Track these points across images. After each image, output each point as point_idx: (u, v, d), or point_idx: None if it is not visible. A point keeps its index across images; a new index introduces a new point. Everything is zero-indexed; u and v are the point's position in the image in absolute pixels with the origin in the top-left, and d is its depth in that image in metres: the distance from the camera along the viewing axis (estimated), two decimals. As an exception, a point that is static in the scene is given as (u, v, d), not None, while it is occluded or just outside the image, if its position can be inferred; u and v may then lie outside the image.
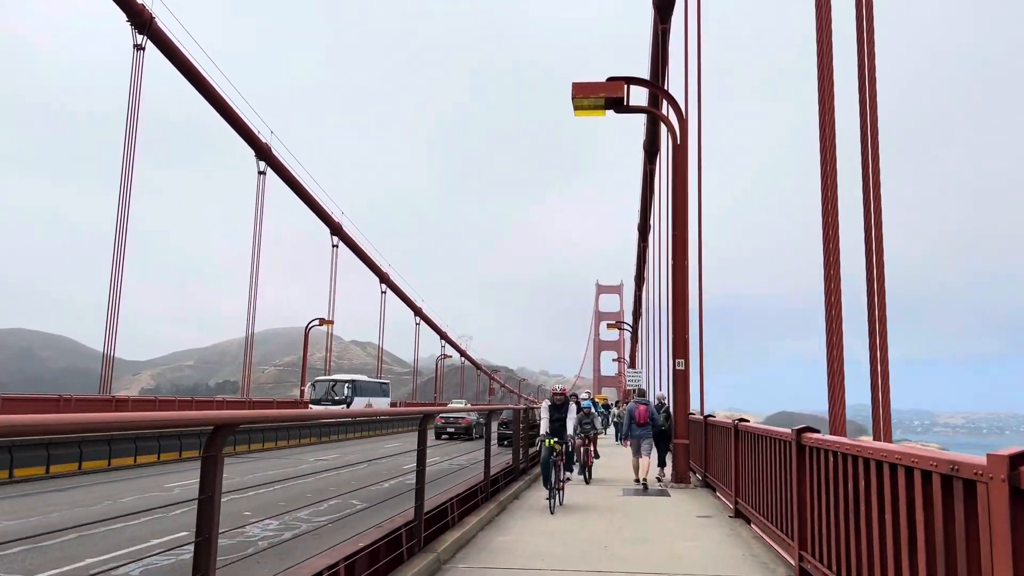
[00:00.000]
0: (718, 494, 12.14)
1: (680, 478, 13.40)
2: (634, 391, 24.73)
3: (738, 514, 9.74)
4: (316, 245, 56.38)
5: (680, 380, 13.83)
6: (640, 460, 13.70)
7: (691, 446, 13.96)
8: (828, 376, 8.07)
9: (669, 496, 12.27)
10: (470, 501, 9.95)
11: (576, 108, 13.95)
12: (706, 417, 13.34)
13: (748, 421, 9.82)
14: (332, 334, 58.71)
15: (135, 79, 34.07)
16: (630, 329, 62.20)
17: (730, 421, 10.32)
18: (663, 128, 38.73)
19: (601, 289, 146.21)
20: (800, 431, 6.45)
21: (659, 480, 14.25)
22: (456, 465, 14.75)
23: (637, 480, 13.67)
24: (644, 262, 55.63)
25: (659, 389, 31.12)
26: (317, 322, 54.63)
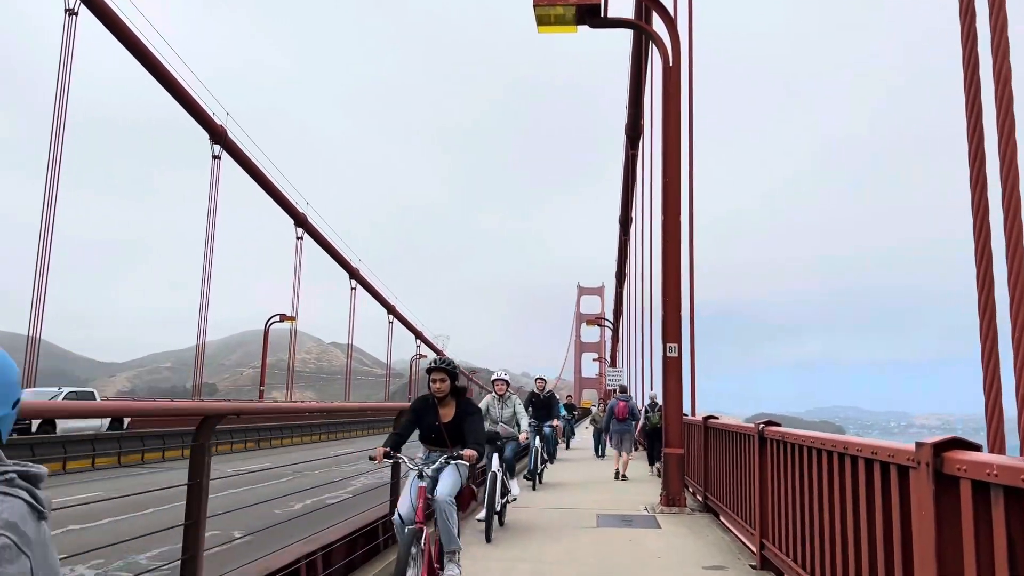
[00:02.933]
0: (725, 522, 8.98)
1: (672, 500, 10.18)
2: (614, 390, 22.71)
3: (765, 564, 6.56)
4: (298, 244, 53.45)
5: (672, 370, 10.62)
6: (620, 456, 15.09)
7: (687, 457, 10.76)
8: (985, 387, 4.99)
9: (659, 528, 9.04)
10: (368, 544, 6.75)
11: (540, 23, 10.77)
12: (706, 419, 10.18)
13: (778, 424, 6.65)
14: (296, 331, 55.06)
15: (66, 47, 30.69)
16: (611, 326, 59.10)
17: (752, 425, 7.15)
18: (646, 107, 35.78)
19: (583, 291, 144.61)
20: (940, 446, 3.29)
21: (648, 508, 11.03)
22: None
23: (616, 474, 14.84)
24: (625, 257, 52.64)
25: (650, 388, 28.21)
26: (278, 318, 51.11)
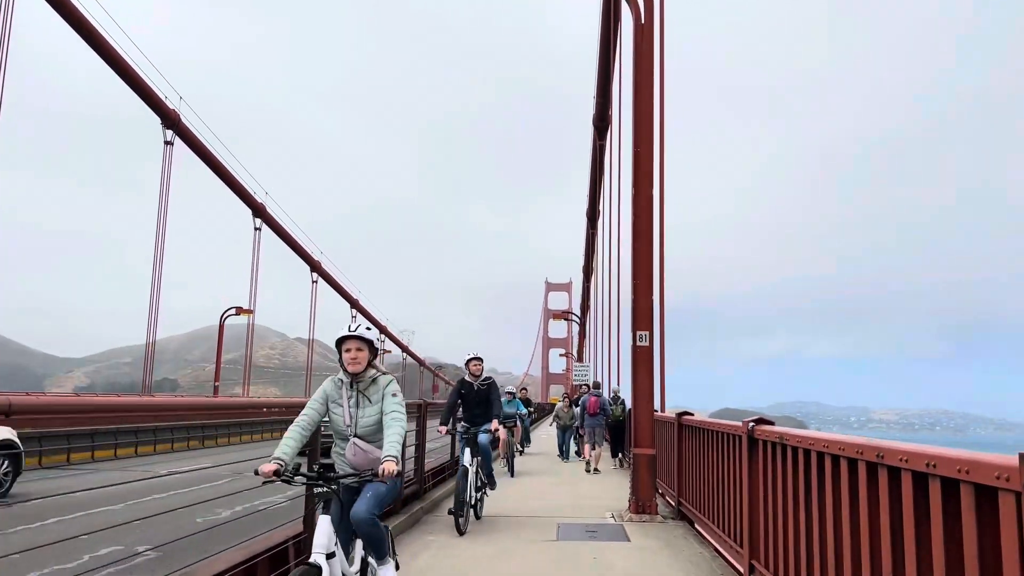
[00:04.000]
0: (702, 531, 7.90)
1: (642, 506, 9.06)
2: (582, 386, 22.18)
3: (755, 586, 5.45)
4: (255, 235, 51.63)
5: (642, 361, 9.48)
6: (593, 450, 15.69)
7: (658, 458, 9.65)
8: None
9: (627, 540, 7.90)
10: None
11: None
12: (680, 416, 9.08)
13: (771, 423, 5.54)
14: (253, 324, 53.20)
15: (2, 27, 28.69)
16: (578, 320, 58.19)
17: (738, 424, 6.04)
18: (614, 95, 34.81)
19: (550, 287, 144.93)
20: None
21: (615, 515, 9.90)
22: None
23: (587, 467, 15.59)
24: (593, 251, 51.66)
25: (616, 384, 27.18)
26: (234, 311, 49.28)
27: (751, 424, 5.61)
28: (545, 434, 29.70)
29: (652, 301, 9.46)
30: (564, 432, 19.30)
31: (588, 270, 56.64)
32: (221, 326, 50.37)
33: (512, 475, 12.94)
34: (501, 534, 8.12)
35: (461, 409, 9.21)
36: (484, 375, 9.18)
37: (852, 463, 3.65)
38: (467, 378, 9.12)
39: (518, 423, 16.57)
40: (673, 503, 9.42)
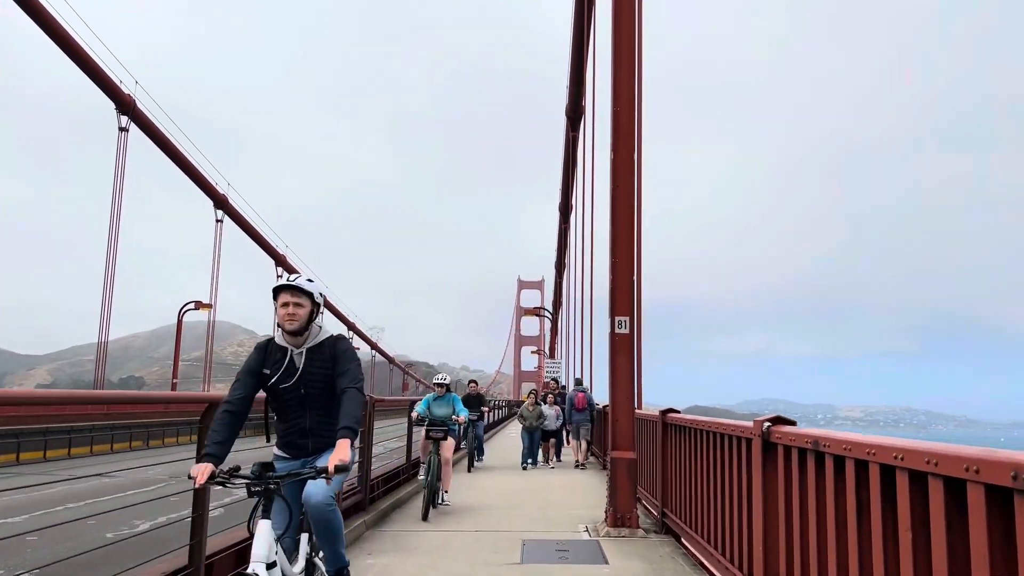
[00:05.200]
0: (691, 549, 6.71)
1: (621, 519, 7.80)
2: (554, 381, 21.13)
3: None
4: (217, 227, 49.73)
5: (622, 350, 8.21)
6: (580, 444, 15.85)
7: (638, 463, 8.41)
8: None
9: (605, 563, 6.65)
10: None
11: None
12: (665, 414, 7.87)
13: (792, 423, 4.34)
14: (214, 320, 51.25)
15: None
16: (549, 316, 57.09)
17: (749, 424, 4.82)
18: (588, 83, 33.69)
19: (522, 284, 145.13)
20: None
21: (589, 529, 8.67)
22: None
23: (577, 463, 15.78)
24: (565, 246, 50.60)
25: (587, 380, 26.21)
26: (192, 305, 47.29)
27: (766, 425, 4.39)
28: (511, 441, 23.20)
29: (633, 282, 8.22)
30: (531, 435, 15.81)
31: (560, 265, 55.53)
32: (180, 321, 48.34)
33: (424, 518, 8.62)
34: (454, 556, 6.84)
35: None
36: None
37: (918, 478, 2.47)
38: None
39: (455, 433, 10.44)
40: (656, 513, 8.20)
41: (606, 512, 8.05)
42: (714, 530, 5.74)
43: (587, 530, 8.08)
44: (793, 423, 4.36)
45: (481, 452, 16.17)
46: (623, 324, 8.14)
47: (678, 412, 7.79)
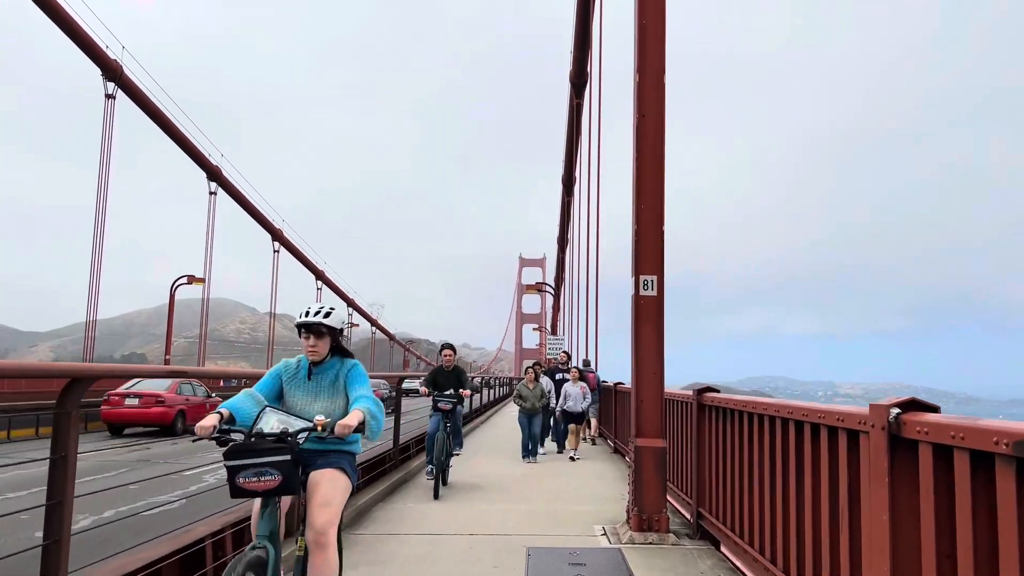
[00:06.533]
0: (738, 564, 5.31)
1: (648, 522, 6.37)
2: (565, 354, 17.28)
3: None
4: (210, 200, 48.25)
5: (647, 317, 6.71)
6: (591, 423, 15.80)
7: (668, 454, 6.95)
8: None
9: (631, 580, 5.23)
10: None
11: None
12: (701, 394, 6.44)
13: (934, 408, 2.87)
14: (208, 295, 49.78)
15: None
16: (552, 291, 55.67)
17: (850, 410, 3.34)
18: (593, 46, 32.00)
19: (524, 262, 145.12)
20: None
21: (608, 532, 7.27)
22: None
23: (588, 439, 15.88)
24: (568, 220, 49.07)
25: (590, 356, 24.79)
26: (185, 280, 45.84)
27: (895, 412, 2.93)
28: (508, 422, 20.72)
29: (662, 232, 6.72)
30: (530, 420, 12.89)
31: (563, 241, 53.91)
32: (172, 296, 46.88)
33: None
34: (439, 569, 5.42)
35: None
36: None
37: None
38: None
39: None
40: (689, 515, 6.77)
41: (628, 512, 6.62)
42: (775, 544, 4.33)
43: (605, 533, 6.66)
44: (936, 409, 2.92)
45: (459, 444, 10.59)
46: (650, 285, 6.66)
47: (717, 391, 6.36)
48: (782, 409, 4.47)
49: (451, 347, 10.51)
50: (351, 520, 6.98)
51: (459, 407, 10.04)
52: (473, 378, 14.51)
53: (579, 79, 38.65)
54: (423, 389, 10.27)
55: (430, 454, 9.26)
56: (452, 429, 9.63)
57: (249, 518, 4.13)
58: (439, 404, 9.64)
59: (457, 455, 10.13)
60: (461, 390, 9.99)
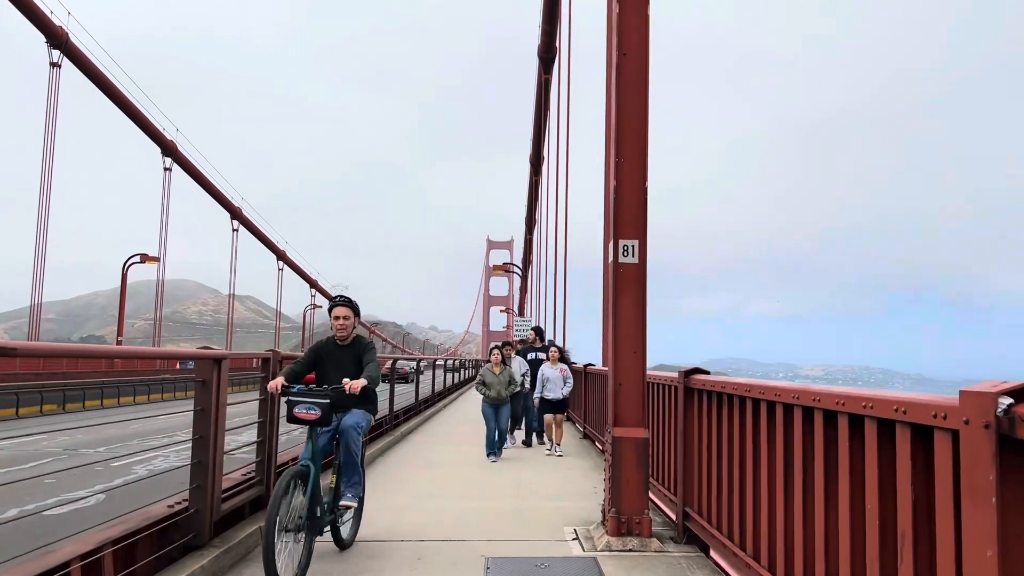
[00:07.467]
0: (725, 566, 4.46)
1: (628, 524, 5.48)
2: (534, 331, 14.44)
3: None
4: (165, 176, 46.36)
5: (627, 288, 5.77)
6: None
7: (649, 445, 6.05)
8: None
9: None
10: None
11: None
12: (688, 376, 5.55)
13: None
14: (163, 279, 47.97)
15: None
16: (519, 272, 54.83)
17: (879, 395, 2.42)
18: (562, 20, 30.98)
19: (492, 244, 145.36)
20: None
21: (580, 535, 6.36)
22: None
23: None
24: (536, 199, 48.19)
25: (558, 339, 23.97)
26: (138, 259, 43.93)
27: (1004, 400, 2.04)
28: (472, 407, 17.56)
29: (645, 190, 5.80)
30: (496, 411, 10.93)
31: (531, 221, 53.05)
32: (124, 275, 44.88)
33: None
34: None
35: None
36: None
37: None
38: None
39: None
40: (673, 515, 5.90)
41: (604, 512, 5.73)
42: (774, 550, 3.47)
43: (577, 538, 5.76)
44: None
45: (353, 487, 5.57)
46: (630, 250, 5.73)
47: (707, 373, 5.48)
48: (788, 394, 3.60)
49: (348, 303, 5.62)
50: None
51: (362, 414, 5.51)
52: (403, 360, 12.85)
53: (547, 53, 37.64)
54: (278, 382, 5.15)
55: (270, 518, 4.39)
56: (344, 459, 5.38)
57: (139, 530, 4.33)
58: (297, 411, 4.95)
59: (350, 507, 5.44)
60: (348, 382, 5.09)
